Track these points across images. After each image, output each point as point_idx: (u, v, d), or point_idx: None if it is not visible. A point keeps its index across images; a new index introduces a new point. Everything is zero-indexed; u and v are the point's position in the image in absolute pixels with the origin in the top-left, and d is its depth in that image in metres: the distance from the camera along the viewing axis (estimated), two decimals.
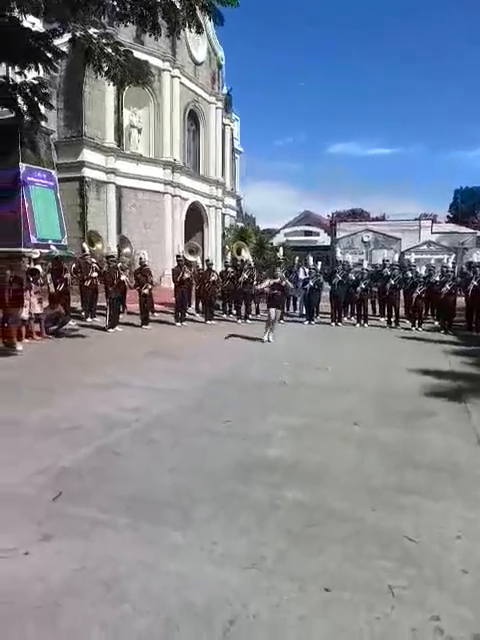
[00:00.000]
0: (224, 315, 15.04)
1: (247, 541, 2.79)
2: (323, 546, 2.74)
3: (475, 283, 11.77)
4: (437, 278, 12.85)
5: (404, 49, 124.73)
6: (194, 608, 2.24)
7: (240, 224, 33.39)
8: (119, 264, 11.80)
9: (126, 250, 15.12)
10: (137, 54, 20.74)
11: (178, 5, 9.94)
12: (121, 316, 12.27)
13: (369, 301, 14.15)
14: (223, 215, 30.20)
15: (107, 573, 2.48)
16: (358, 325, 13.26)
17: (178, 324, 12.71)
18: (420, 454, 4.12)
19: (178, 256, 13.91)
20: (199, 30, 10.95)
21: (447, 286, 12.20)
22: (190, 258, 16.22)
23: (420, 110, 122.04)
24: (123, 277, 11.56)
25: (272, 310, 10.04)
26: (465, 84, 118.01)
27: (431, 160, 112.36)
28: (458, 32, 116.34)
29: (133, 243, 19.80)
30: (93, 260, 12.75)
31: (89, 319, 12.51)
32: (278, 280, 10.26)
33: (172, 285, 13.22)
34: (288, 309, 15.80)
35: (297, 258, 16.40)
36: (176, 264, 13.52)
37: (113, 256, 11.98)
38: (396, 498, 3.31)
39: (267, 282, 10.50)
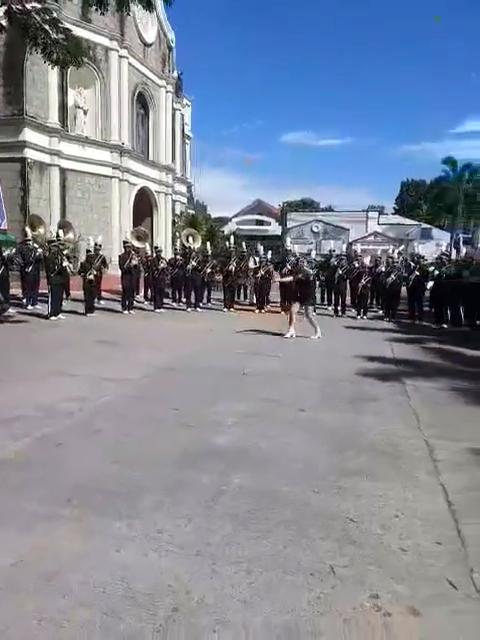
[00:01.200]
0: (174, 303, 14.90)
1: (193, 528, 2.78)
2: (268, 529, 2.77)
3: (417, 274, 12.20)
4: (382, 268, 13.24)
5: (357, 39, 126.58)
6: (138, 597, 2.21)
7: (191, 211, 33.09)
8: (63, 250, 11.39)
9: (69, 235, 14.64)
10: (83, 33, 20.16)
11: None
12: (64, 303, 11.89)
13: (317, 290, 14.39)
14: (173, 202, 29.78)
15: (47, 566, 2.40)
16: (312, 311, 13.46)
17: (125, 312, 12.48)
18: (362, 438, 4.24)
19: (125, 242, 13.59)
20: (149, 8, 10.63)
21: (392, 276, 12.59)
22: (138, 244, 15.92)
23: (372, 102, 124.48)
24: (65, 263, 11.16)
25: (296, 304, 9.57)
26: (416, 78, 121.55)
27: (380, 152, 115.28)
28: (411, 24, 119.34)
29: (79, 228, 19.23)
30: (35, 245, 12.28)
31: (30, 306, 12.06)
32: (301, 276, 9.66)
33: (119, 272, 12.92)
34: (239, 297, 15.86)
35: (244, 245, 16.40)
36: (123, 250, 13.22)
37: (55, 241, 11.55)
38: (339, 481, 3.40)
39: (290, 277, 10.09)
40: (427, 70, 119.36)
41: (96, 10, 10.18)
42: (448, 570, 2.47)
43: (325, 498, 3.16)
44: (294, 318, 9.40)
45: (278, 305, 13.90)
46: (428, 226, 46.14)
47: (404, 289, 13.10)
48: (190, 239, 16.81)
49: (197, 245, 16.43)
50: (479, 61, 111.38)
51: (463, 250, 14.68)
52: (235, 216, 52.14)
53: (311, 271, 9.96)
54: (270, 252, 15.32)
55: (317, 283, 13.81)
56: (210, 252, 15.31)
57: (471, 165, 35.67)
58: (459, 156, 39.88)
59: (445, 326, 11.47)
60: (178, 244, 17.33)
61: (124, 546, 2.60)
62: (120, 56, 22.92)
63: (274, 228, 48.71)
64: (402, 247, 30.33)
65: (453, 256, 15.53)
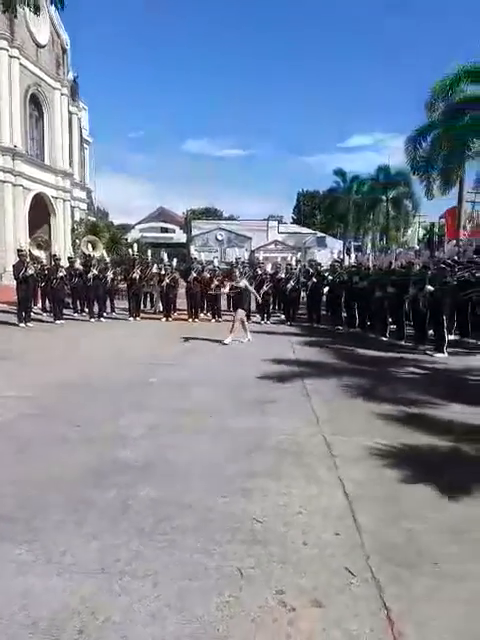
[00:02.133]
0: (75, 314, 14.32)
1: (98, 545, 2.70)
2: (175, 539, 2.77)
3: (314, 280, 12.84)
4: (283, 275, 13.76)
5: (255, 54, 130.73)
6: (40, 624, 2.11)
7: (92, 218, 32.00)
8: None
9: None
10: None
11: None
12: None
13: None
14: (72, 208, 28.68)
15: None
16: (213, 320, 13.61)
17: (22, 324, 11.76)
18: (268, 439, 4.38)
19: (20, 250, 12.80)
20: (37, 12, 10.19)
21: (291, 282, 13.13)
22: (37, 253, 15.12)
23: (267, 115, 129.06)
24: None
25: (240, 311, 9.85)
26: (309, 93, 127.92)
27: (278, 164, 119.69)
28: (304, 39, 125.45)
29: None
30: None
31: None
32: (240, 284, 10.14)
33: (14, 282, 12.15)
34: (145, 306, 15.62)
35: (150, 252, 16.23)
36: (18, 259, 12.46)
37: None
38: (245, 483, 3.48)
39: (228, 286, 10.47)
40: (319, 85, 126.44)
41: None
42: (347, 559, 2.63)
43: (232, 502, 3.22)
44: (242, 325, 9.85)
45: (185, 312, 13.89)
46: (323, 234, 48.74)
47: (303, 294, 13.72)
48: (89, 246, 16.28)
49: (99, 253, 15.96)
50: (364, 79, 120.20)
51: (353, 256, 15.69)
52: (138, 223, 51.29)
53: (245, 282, 10.39)
54: (175, 260, 15.28)
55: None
56: (108, 260, 14.92)
57: (358, 177, 38.19)
58: (349, 168, 42.56)
59: (340, 328, 12.18)
60: (79, 252, 16.72)
61: (24, 572, 2.47)
62: (11, 56, 21.78)
63: (179, 236, 48.65)
64: (299, 254, 31.71)
65: (345, 262, 16.55)
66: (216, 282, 13.58)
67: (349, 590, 2.39)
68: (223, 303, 14.18)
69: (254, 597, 2.32)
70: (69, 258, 16.01)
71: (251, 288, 10.45)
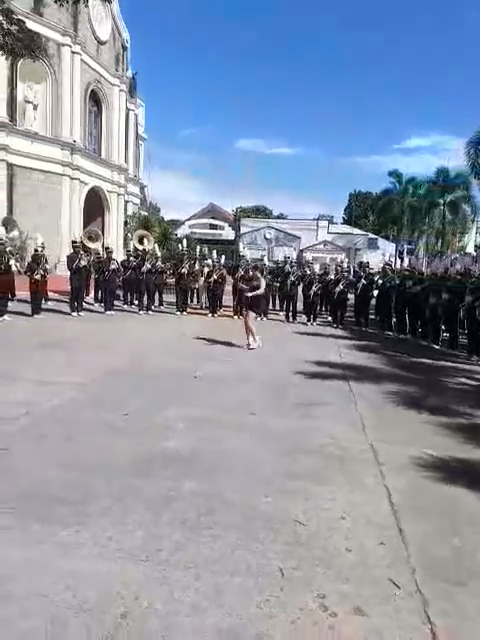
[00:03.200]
0: (125, 306, 14.67)
1: (142, 534, 2.76)
2: (217, 534, 2.79)
3: (364, 282, 12.60)
4: (331, 276, 13.57)
5: (311, 52, 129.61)
6: (84, 605, 2.18)
7: (144, 213, 32.70)
8: (7, 248, 10.96)
9: (14, 233, 14.10)
10: (35, 26, 19.59)
11: None
12: (10, 304, 11.45)
13: (270, 296, 14.57)
14: (126, 202, 29.38)
15: None
16: (259, 319, 13.60)
17: (74, 314, 12.15)
18: (310, 441, 4.34)
19: (74, 242, 13.22)
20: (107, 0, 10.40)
21: (340, 285, 12.94)
22: (89, 245, 15.58)
23: (322, 114, 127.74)
24: (11, 262, 10.74)
25: (251, 313, 9.07)
26: (366, 93, 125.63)
27: (330, 163, 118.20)
28: (364, 39, 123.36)
29: (26, 226, 18.60)
30: None
31: None
32: (254, 284, 9.12)
33: (68, 272, 12.57)
34: (192, 301, 15.81)
35: (199, 249, 16.42)
36: (72, 250, 12.88)
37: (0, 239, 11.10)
38: (287, 484, 3.46)
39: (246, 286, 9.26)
40: (377, 86, 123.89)
41: (55, 1, 9.85)
42: (391, 570, 2.57)
43: (274, 501, 3.21)
44: (252, 328, 8.99)
45: (231, 309, 13.95)
46: (374, 236, 47.74)
47: (351, 297, 13.50)
48: (144, 241, 16.61)
49: (150, 247, 16.27)
50: (422, 80, 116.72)
51: (406, 260, 15.28)
52: (188, 219, 51.95)
53: (263, 282, 9.32)
54: (223, 257, 15.37)
55: (270, 289, 13.99)
56: (159, 254, 15.17)
57: (415, 179, 37.20)
58: (404, 170, 41.50)
59: (389, 333, 11.90)
60: (131, 245, 17.12)
61: (71, 554, 2.55)
62: (73, 52, 22.46)
63: (227, 233, 48.90)
64: (343, 256, 31.17)
65: (397, 266, 16.14)
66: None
67: (393, 601, 2.34)
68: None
69: (295, 599, 2.30)
70: (128, 251, 16.38)
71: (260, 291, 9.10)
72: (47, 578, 2.34)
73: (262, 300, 9.27)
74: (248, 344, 8.80)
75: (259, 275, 9.43)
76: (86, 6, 15.87)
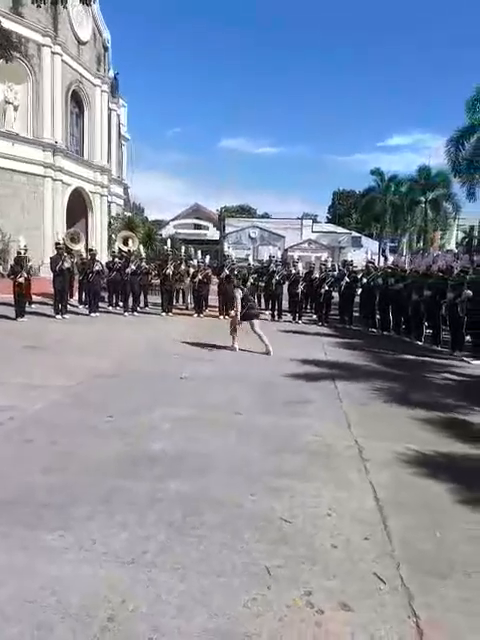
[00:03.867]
0: (109, 307, 14.58)
1: (127, 536, 2.75)
2: (203, 534, 2.79)
3: (348, 280, 12.68)
4: (316, 275, 13.64)
5: (294, 51, 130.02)
6: (70, 609, 2.17)
7: (128, 213, 32.51)
8: None
9: None
10: (14, 27, 19.36)
11: None
12: None
13: (255, 295, 14.57)
14: (109, 203, 29.15)
15: None
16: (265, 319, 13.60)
17: (58, 316, 12.04)
18: (296, 439, 4.36)
19: (57, 244, 13.08)
20: (86, 2, 10.23)
21: (325, 284, 13.01)
22: (72, 246, 15.45)
23: (304, 114, 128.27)
24: None
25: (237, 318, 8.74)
26: (350, 95, 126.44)
27: (314, 162, 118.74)
28: (348, 38, 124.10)
29: (9, 229, 18.39)
30: None
31: None
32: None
33: (51, 274, 12.44)
34: (177, 301, 15.76)
35: (183, 249, 16.40)
36: (55, 252, 12.75)
37: None
38: (273, 482, 3.48)
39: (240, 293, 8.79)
40: (359, 85, 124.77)
41: (32, 2, 9.67)
42: (376, 564, 2.60)
43: (260, 500, 3.22)
44: (237, 330, 8.82)
45: (216, 309, 13.94)
46: (358, 234, 48.08)
47: (336, 295, 13.58)
48: (128, 242, 16.52)
49: (134, 248, 16.19)
50: (404, 79, 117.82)
51: (390, 258, 15.40)
52: (173, 219, 51.80)
53: (238, 294, 8.81)
54: (208, 257, 15.35)
55: (255, 288, 14.00)
56: (144, 255, 15.11)
57: (397, 177, 37.53)
58: (386, 168, 41.90)
59: (373, 330, 12.00)
60: (115, 246, 17.01)
61: (56, 558, 2.53)
62: (53, 52, 22.21)
63: (212, 233, 48.87)
64: (327, 254, 31.34)
65: (381, 263, 16.27)
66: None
67: (378, 596, 2.36)
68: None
69: (282, 596, 2.32)
70: (112, 252, 16.26)
71: (238, 298, 8.68)
72: (32, 583, 2.33)
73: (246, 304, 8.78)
74: (233, 346, 8.76)
75: (235, 286, 9.16)
76: (65, 7, 15.74)
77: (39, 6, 10.07)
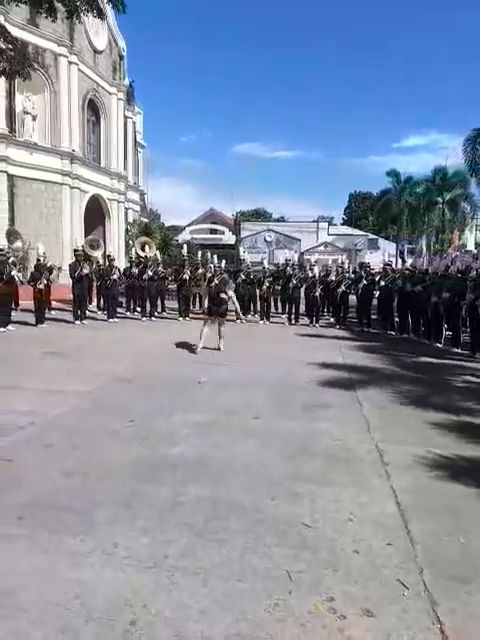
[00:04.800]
0: (127, 313, 14.70)
1: (149, 540, 2.77)
2: (225, 539, 2.79)
3: (365, 282, 12.60)
4: (333, 277, 13.58)
5: (306, 55, 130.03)
6: (94, 613, 2.18)
7: (144, 219, 32.80)
8: (10, 259, 11.01)
9: (17, 244, 14.15)
10: (31, 37, 19.77)
11: None
12: (14, 314, 11.50)
13: (271, 299, 14.56)
14: (126, 209, 29.43)
15: None
16: (261, 322, 13.63)
17: (77, 322, 12.19)
18: (316, 443, 4.34)
19: (76, 250, 13.28)
20: (100, 16, 10.43)
21: (342, 286, 12.95)
22: (91, 253, 15.64)
23: (319, 116, 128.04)
24: (14, 272, 10.79)
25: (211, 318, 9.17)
26: (364, 97, 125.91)
27: (329, 165, 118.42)
28: (358, 41, 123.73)
29: (28, 236, 18.68)
30: None
31: None
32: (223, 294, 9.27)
33: (70, 281, 12.61)
34: (194, 306, 15.82)
35: (200, 254, 16.48)
36: (74, 259, 12.93)
37: (2, 250, 11.15)
38: (293, 487, 3.46)
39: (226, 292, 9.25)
40: (373, 86, 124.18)
41: (46, 17, 9.88)
42: (399, 570, 2.57)
43: (281, 504, 3.21)
44: (203, 332, 9.01)
45: (234, 314, 13.96)
46: (375, 237, 47.71)
47: (353, 297, 13.50)
48: (146, 247, 16.66)
49: (152, 253, 16.32)
50: (419, 79, 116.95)
51: (408, 260, 15.26)
52: (189, 225, 52.05)
53: (229, 290, 9.28)
54: (224, 261, 15.39)
55: (272, 292, 13.99)
56: (160, 260, 15.23)
57: (412, 178, 37.20)
58: (402, 169, 41.59)
59: (391, 333, 11.89)
60: (132, 252, 17.16)
61: (79, 562, 2.55)
62: (70, 62, 22.54)
63: (228, 237, 48.93)
64: (345, 256, 31.16)
65: (398, 265, 16.12)
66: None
67: (401, 601, 2.34)
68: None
69: (303, 602, 2.30)
70: (130, 259, 16.42)
71: (233, 297, 9.32)
72: (56, 587, 2.35)
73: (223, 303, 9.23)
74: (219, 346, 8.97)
75: (227, 282, 9.50)
76: (79, 21, 16.00)
77: (54, 20, 10.22)
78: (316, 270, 13.82)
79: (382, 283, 12.29)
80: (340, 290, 12.92)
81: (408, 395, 6.10)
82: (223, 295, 9.18)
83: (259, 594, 2.34)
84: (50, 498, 3.23)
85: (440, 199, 34.56)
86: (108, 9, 15.38)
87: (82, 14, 10.33)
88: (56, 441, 4.24)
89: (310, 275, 13.59)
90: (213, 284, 9.43)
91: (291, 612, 2.24)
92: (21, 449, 4.05)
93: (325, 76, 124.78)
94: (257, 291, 14.04)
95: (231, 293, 9.12)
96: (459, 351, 9.48)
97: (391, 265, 14.12)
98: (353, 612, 2.25)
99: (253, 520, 3.01)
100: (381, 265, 13.65)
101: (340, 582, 2.46)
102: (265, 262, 15.59)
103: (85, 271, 12.38)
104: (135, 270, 14.44)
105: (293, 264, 15.35)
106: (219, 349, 8.94)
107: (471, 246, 36.49)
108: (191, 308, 14.91)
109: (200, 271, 14.70)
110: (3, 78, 18.43)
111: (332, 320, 13.83)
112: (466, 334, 9.98)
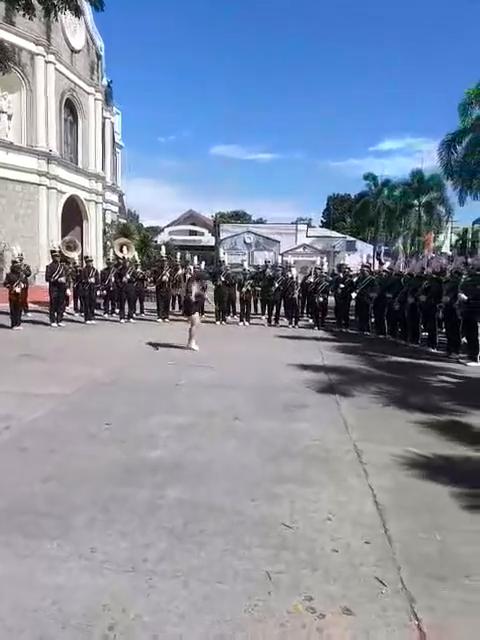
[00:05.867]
0: (106, 315, 14.55)
1: (128, 544, 2.74)
2: (204, 541, 2.78)
3: (343, 285, 12.72)
4: (312, 279, 13.68)
5: (284, 58, 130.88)
6: (71, 619, 2.15)
7: (123, 220, 32.52)
8: None
9: None
10: (7, 36, 19.44)
11: None
12: None
13: (251, 300, 14.59)
14: (104, 210, 29.14)
15: None
16: (241, 323, 13.64)
17: (54, 325, 12.02)
18: (295, 444, 4.36)
19: (53, 251, 13.09)
20: (77, 14, 10.29)
21: (321, 287, 13.05)
22: (68, 254, 15.42)
23: (298, 121, 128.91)
24: None
25: (196, 315, 9.42)
26: (339, 98, 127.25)
27: (307, 167, 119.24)
28: (337, 46, 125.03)
29: (4, 237, 18.37)
30: None
31: None
32: (199, 290, 9.63)
33: (46, 283, 12.42)
34: (173, 308, 15.76)
35: (179, 255, 16.44)
36: (51, 260, 12.74)
37: None
38: (273, 488, 3.47)
39: (194, 289, 9.39)
40: (350, 90, 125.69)
41: (23, 15, 9.71)
42: (377, 568, 2.59)
43: (260, 505, 3.21)
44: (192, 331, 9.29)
45: (213, 315, 13.95)
46: (353, 239, 48.22)
47: (331, 299, 13.63)
48: (125, 249, 16.53)
49: (130, 255, 16.20)
50: (396, 82, 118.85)
51: (386, 263, 15.44)
52: (168, 226, 51.84)
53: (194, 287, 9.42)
54: (203, 262, 15.37)
55: (252, 293, 14.02)
56: (139, 262, 15.14)
57: (390, 181, 37.78)
58: (379, 172, 42.18)
59: (368, 333, 12.04)
60: (110, 254, 17.00)
61: (56, 567, 2.51)
62: (46, 61, 22.22)
63: (208, 239, 48.88)
64: (323, 258, 31.43)
65: (376, 267, 16.32)
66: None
67: (379, 600, 2.36)
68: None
69: (283, 602, 2.31)
70: (108, 260, 16.25)
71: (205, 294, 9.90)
72: (33, 593, 2.31)
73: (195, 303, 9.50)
74: (190, 347, 9.14)
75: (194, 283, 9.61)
76: (56, 20, 15.81)
77: (31, 18, 10.07)
78: (294, 271, 13.90)
79: (360, 287, 12.34)
80: (322, 298, 13.02)
81: (386, 395, 6.17)
82: (196, 290, 9.37)
83: (239, 596, 2.34)
84: (27, 503, 3.17)
85: (416, 202, 35.17)
86: (86, 7, 15.22)
87: (59, 11, 10.20)
88: (33, 445, 4.17)
89: (289, 276, 13.66)
90: (189, 285, 9.57)
91: (271, 613, 2.24)
92: None
93: (304, 79, 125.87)
94: (237, 293, 14.04)
95: (207, 293, 9.32)
96: (435, 351, 9.64)
97: (369, 267, 14.28)
98: (332, 611, 2.27)
99: (233, 522, 3.00)
100: (359, 267, 13.78)
101: (319, 581, 2.47)
102: (245, 264, 15.62)
103: (62, 279, 12.17)
104: (112, 277, 14.21)
105: (273, 265, 15.40)
106: (192, 349, 9.06)
107: (446, 248, 37.19)
108: (170, 309, 14.85)
109: (180, 272, 14.66)
110: None
111: (311, 322, 13.92)
112: (442, 334, 10.16)
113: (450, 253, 20.91)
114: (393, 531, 2.95)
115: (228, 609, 2.25)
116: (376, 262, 20.50)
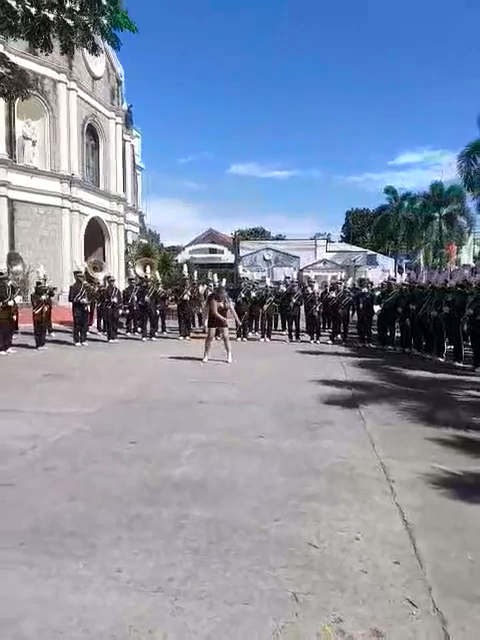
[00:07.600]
0: (128, 333, 14.70)
1: (153, 564, 2.72)
2: (229, 561, 2.75)
3: (367, 298, 12.61)
4: (333, 294, 13.61)
5: (298, 79, 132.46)
6: (98, 639, 2.14)
7: (144, 240, 33.03)
8: (9, 282, 11.03)
9: (17, 267, 14.22)
10: (30, 65, 20.14)
11: (72, 24, 9.54)
12: (15, 337, 11.49)
13: (273, 317, 14.57)
14: (125, 231, 29.67)
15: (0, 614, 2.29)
16: (262, 339, 13.62)
17: (78, 344, 12.19)
18: (320, 462, 4.30)
19: (77, 272, 13.35)
20: (95, 51, 10.58)
21: (342, 302, 12.97)
22: (95, 275, 15.75)
23: (314, 137, 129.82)
24: (16, 299, 10.80)
25: (213, 330, 9.94)
26: (355, 114, 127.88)
27: (326, 183, 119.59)
28: (350, 63, 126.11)
29: (28, 259, 18.83)
30: None
31: None
32: (222, 304, 9.98)
33: (70, 303, 12.64)
34: (194, 326, 15.83)
35: (196, 273, 16.61)
36: (75, 281, 12.98)
37: (2, 274, 11.19)
38: (298, 506, 3.42)
39: (216, 304, 9.87)
40: (366, 105, 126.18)
41: (42, 51, 10.06)
42: (407, 589, 2.52)
43: (285, 525, 3.17)
44: (208, 344, 9.86)
45: (234, 331, 13.96)
46: (373, 252, 47.98)
47: (353, 312, 13.51)
48: (147, 268, 16.77)
49: (152, 275, 16.42)
50: (413, 96, 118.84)
51: (405, 275, 15.28)
52: (188, 245, 52.40)
53: (228, 299, 10.27)
54: (224, 280, 15.45)
55: (273, 309, 14.01)
56: (160, 280, 15.33)
57: (409, 194, 37.66)
58: (397, 186, 42.27)
59: (390, 348, 11.87)
60: (132, 273, 17.26)
61: (82, 587, 2.51)
62: (68, 88, 22.98)
63: (227, 256, 49.20)
64: (344, 273, 31.27)
65: (397, 280, 16.15)
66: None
67: (410, 621, 2.29)
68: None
69: (311, 624, 2.26)
70: (130, 280, 16.47)
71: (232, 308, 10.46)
72: (58, 614, 2.31)
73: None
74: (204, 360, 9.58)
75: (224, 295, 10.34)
76: (72, 57, 16.36)
77: (47, 54, 10.46)
78: (315, 287, 13.86)
79: (387, 299, 12.15)
80: (340, 306, 12.95)
81: (411, 410, 6.06)
82: (220, 304, 9.89)
83: (265, 617, 2.30)
84: (52, 523, 3.19)
85: (437, 214, 34.89)
86: (103, 43, 15.70)
87: (77, 49, 10.56)
88: (58, 464, 4.21)
89: (309, 292, 13.63)
90: (213, 301, 9.80)
91: (299, 636, 2.19)
92: (22, 473, 4.01)
93: (318, 96, 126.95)
94: (260, 309, 14.03)
95: (230, 303, 9.81)
96: (461, 365, 9.45)
97: (394, 280, 14.16)
98: (362, 633, 2.21)
99: (257, 541, 2.97)
100: (381, 280, 13.68)
101: (348, 603, 2.42)
102: (267, 280, 15.66)
103: (84, 301, 12.39)
104: (134, 296, 14.38)
105: (293, 281, 15.40)
106: (227, 362, 9.49)
107: (468, 260, 36.68)
108: (192, 327, 14.92)
109: (201, 289, 14.77)
110: (3, 105, 18.93)
111: (337, 338, 13.80)
112: (468, 348, 9.96)
113: (473, 264, 20.62)
114: (423, 551, 2.87)
115: (255, 631, 2.21)
116: (398, 275, 20.32)
